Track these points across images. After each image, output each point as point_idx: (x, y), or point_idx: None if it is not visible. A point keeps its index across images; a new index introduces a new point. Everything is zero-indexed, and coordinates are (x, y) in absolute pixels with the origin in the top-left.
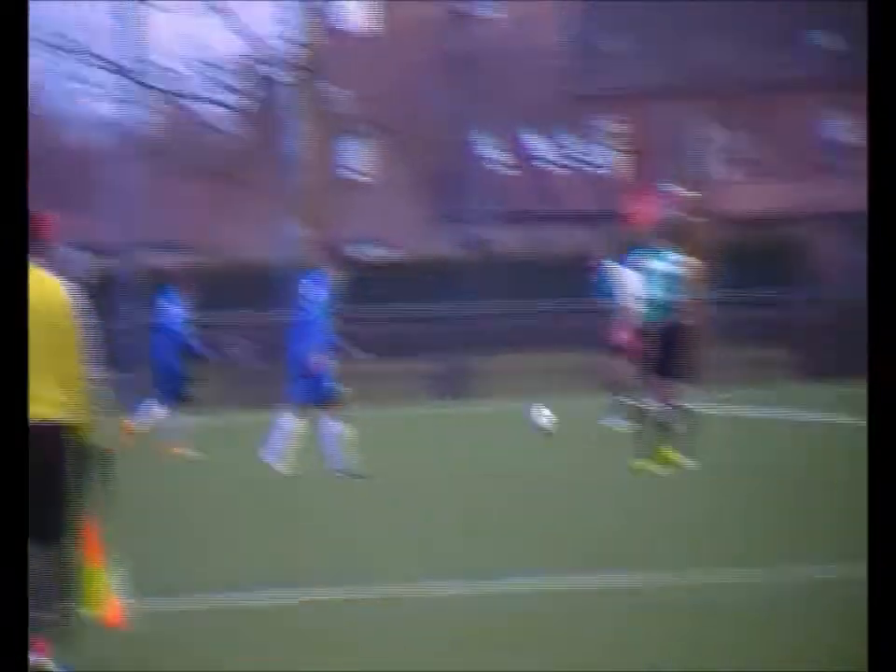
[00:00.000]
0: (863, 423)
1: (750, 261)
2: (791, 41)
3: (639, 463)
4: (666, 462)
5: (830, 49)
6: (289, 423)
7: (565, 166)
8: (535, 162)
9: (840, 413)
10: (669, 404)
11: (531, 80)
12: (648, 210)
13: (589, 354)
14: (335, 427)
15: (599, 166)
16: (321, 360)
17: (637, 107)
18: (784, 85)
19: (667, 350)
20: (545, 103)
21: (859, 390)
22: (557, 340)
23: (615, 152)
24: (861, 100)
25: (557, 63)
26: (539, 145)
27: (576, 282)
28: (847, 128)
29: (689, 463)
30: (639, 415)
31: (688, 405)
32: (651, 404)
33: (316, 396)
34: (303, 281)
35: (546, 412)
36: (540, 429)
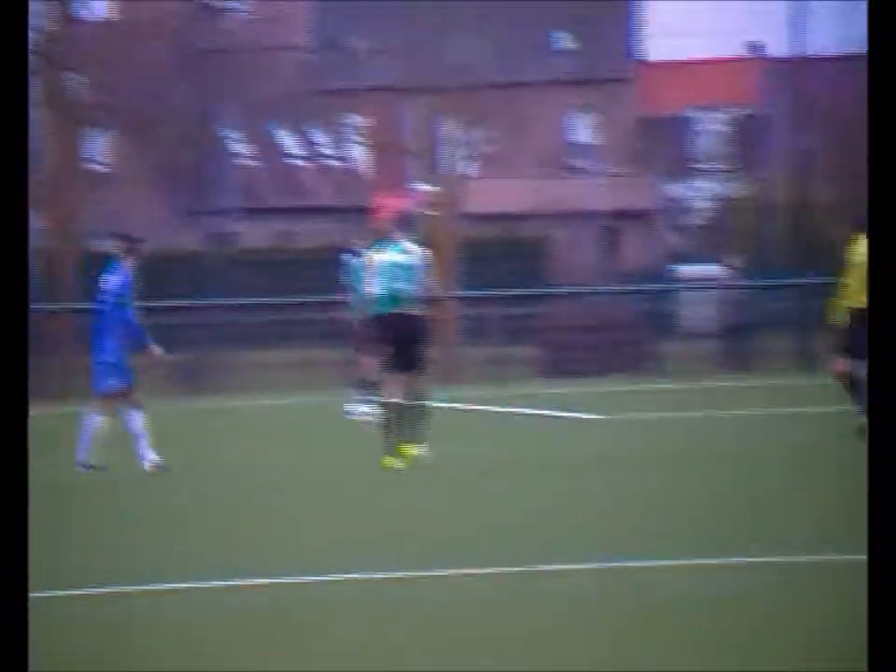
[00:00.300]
0: (605, 417)
1: (496, 258)
2: (534, 41)
3: (387, 459)
4: (406, 457)
5: (569, 49)
6: (96, 419)
7: (312, 161)
8: (282, 157)
9: (579, 409)
10: (410, 399)
11: (279, 75)
12: (393, 205)
13: (337, 348)
14: (136, 419)
15: (347, 161)
16: (121, 350)
17: (384, 103)
18: (528, 84)
19: (407, 344)
20: (293, 98)
21: (598, 388)
22: (306, 334)
23: (362, 147)
24: (598, 98)
25: (306, 59)
26: (286, 140)
27: (323, 276)
28: (588, 127)
29: (428, 458)
30: (384, 410)
31: (428, 400)
32: (393, 399)
33: (117, 385)
34: (102, 272)
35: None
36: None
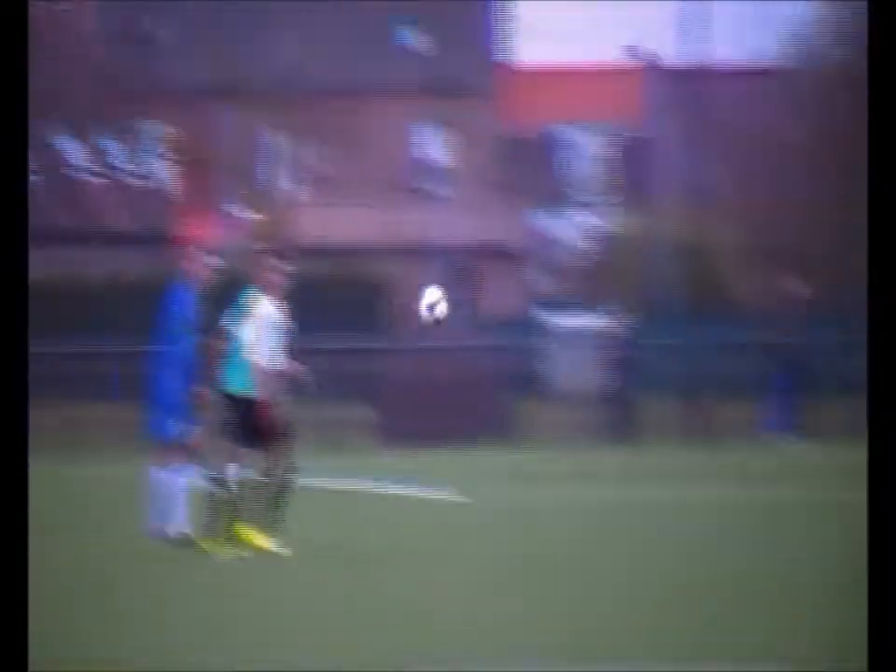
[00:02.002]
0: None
1: (327, 301)
2: (377, 40)
3: (209, 542)
4: (246, 541)
5: (419, 50)
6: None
7: (102, 176)
8: (65, 170)
9: (426, 483)
10: (246, 474)
11: (59, 71)
12: (205, 232)
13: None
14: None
15: (146, 177)
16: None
17: (195, 111)
18: (369, 91)
19: (246, 412)
20: (81, 100)
21: (453, 459)
22: (77, 386)
23: (167, 162)
24: (453, 110)
25: (95, 52)
26: (71, 149)
27: (123, 314)
28: (441, 145)
29: (272, 543)
30: (215, 486)
31: (267, 476)
32: (225, 474)
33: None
34: None
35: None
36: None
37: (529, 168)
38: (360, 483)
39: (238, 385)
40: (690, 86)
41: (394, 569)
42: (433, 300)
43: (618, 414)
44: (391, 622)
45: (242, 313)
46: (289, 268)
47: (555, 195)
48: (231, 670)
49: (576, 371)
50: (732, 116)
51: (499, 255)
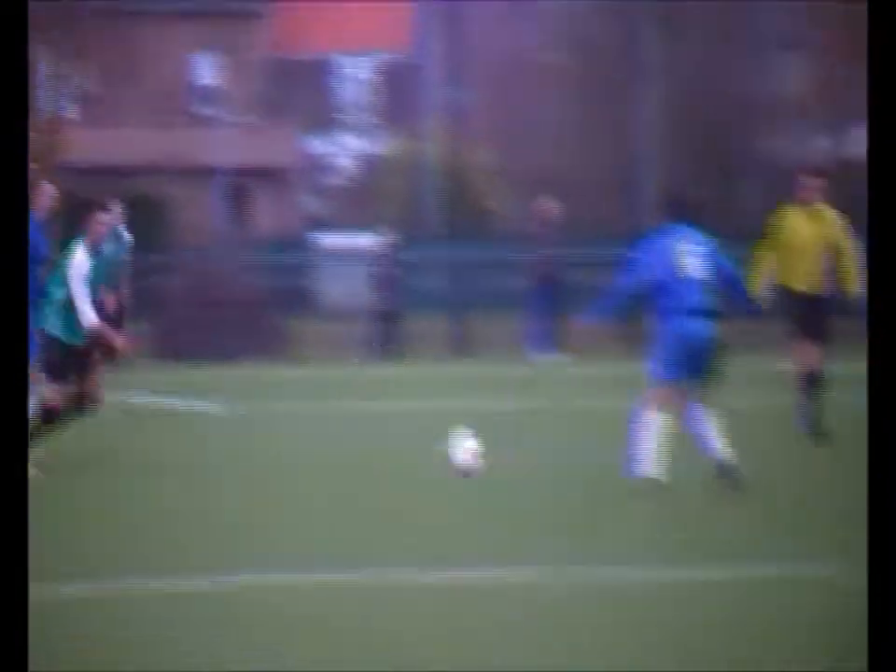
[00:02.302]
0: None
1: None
2: None
3: None
4: None
5: None
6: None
7: None
8: None
9: (197, 398)
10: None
11: None
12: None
13: None
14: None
15: None
16: None
17: None
18: (143, 13)
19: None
20: None
21: (222, 374)
22: None
23: None
24: (226, 35)
25: None
26: None
27: None
28: (214, 68)
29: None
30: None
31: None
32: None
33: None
34: None
35: (468, 443)
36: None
37: (301, 93)
38: (134, 397)
39: (55, 327)
40: (453, 13)
41: (159, 479)
42: (469, 449)
43: (386, 330)
44: (158, 530)
45: (64, 258)
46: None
47: (326, 119)
48: (231, 670)
49: (345, 289)
50: (493, 42)
51: (272, 176)
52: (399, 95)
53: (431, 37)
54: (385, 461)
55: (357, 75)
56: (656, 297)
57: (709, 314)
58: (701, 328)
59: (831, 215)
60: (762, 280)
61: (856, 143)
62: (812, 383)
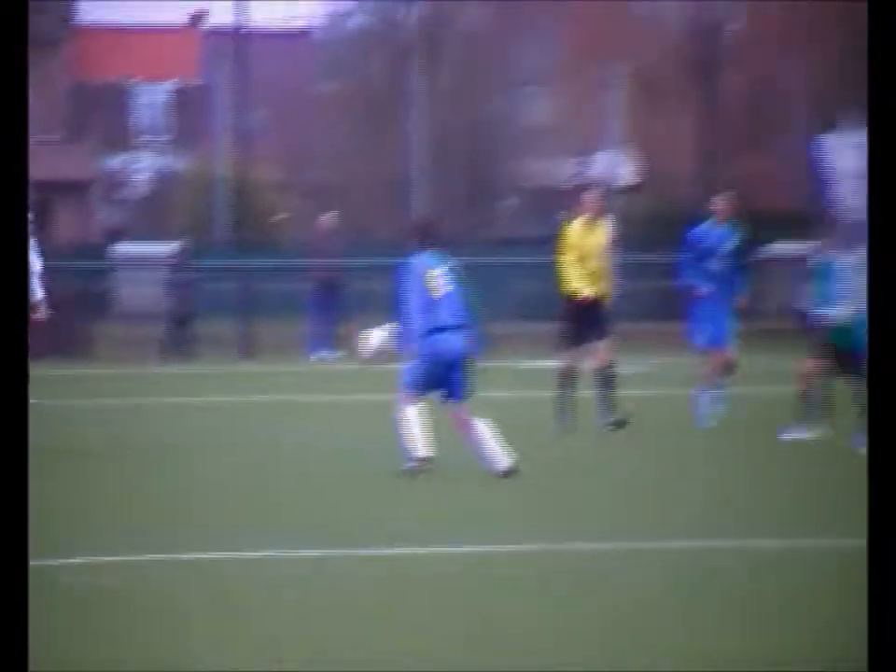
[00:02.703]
0: None
1: None
2: None
3: None
4: None
5: None
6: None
7: None
8: None
9: None
10: None
11: None
12: None
13: None
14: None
15: None
16: None
17: None
18: None
19: None
20: None
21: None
22: None
23: None
24: (33, 61)
25: None
26: None
27: None
28: None
29: None
30: None
31: None
32: None
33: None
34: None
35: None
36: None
37: (99, 114)
38: None
39: None
40: (239, 45)
41: None
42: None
43: (179, 332)
44: None
45: None
46: None
47: (122, 138)
48: (231, 670)
49: (141, 294)
50: (275, 72)
51: (71, 189)
52: (192, 118)
53: (220, 65)
54: (164, 450)
55: (150, 98)
56: (415, 315)
57: (458, 329)
58: (450, 342)
59: (604, 226)
60: (577, 284)
61: (599, 165)
62: (604, 378)
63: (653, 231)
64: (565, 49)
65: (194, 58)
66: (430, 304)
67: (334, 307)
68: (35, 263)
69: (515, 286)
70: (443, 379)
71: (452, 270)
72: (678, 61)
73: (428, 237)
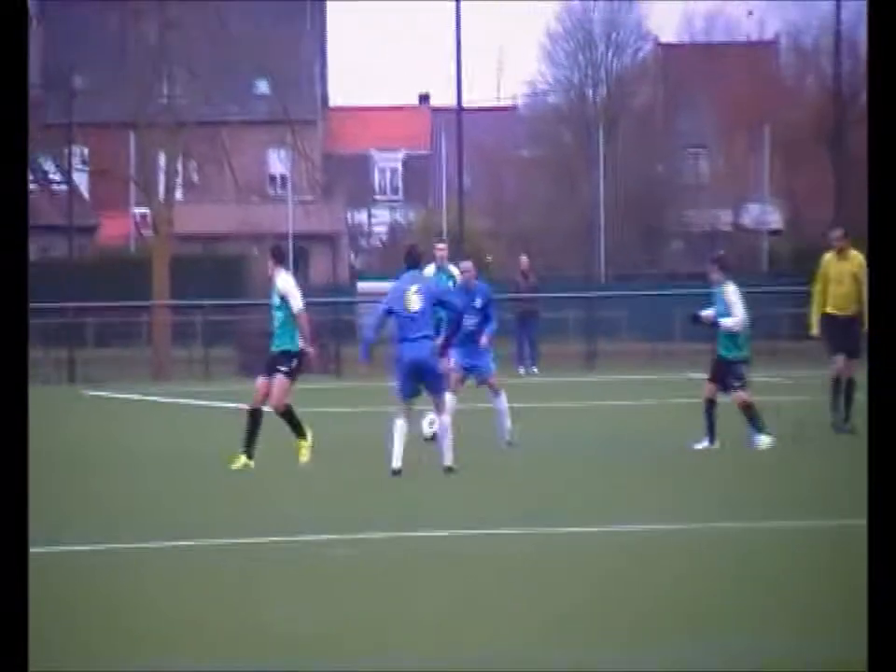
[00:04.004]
0: None
1: (201, 273)
2: (237, 85)
3: None
4: None
5: (266, 94)
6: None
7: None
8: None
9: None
10: None
11: None
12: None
13: None
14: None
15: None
16: None
17: (105, 136)
18: (231, 122)
19: None
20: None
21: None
22: None
23: (85, 174)
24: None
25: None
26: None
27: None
28: (282, 161)
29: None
30: None
31: None
32: None
33: None
34: None
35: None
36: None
37: (347, 179)
38: (223, 403)
39: None
40: (459, 119)
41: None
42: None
43: None
44: None
45: None
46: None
47: (365, 198)
48: (230, 670)
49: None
50: (487, 140)
51: (325, 240)
52: (420, 179)
53: (443, 136)
54: None
55: (389, 164)
56: (395, 328)
57: (425, 339)
58: (417, 350)
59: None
60: None
61: (751, 214)
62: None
63: (796, 266)
64: (720, 117)
65: (422, 131)
66: (406, 318)
67: (534, 331)
68: (298, 305)
69: (678, 312)
70: (419, 381)
71: (424, 290)
72: (816, 127)
73: (414, 261)
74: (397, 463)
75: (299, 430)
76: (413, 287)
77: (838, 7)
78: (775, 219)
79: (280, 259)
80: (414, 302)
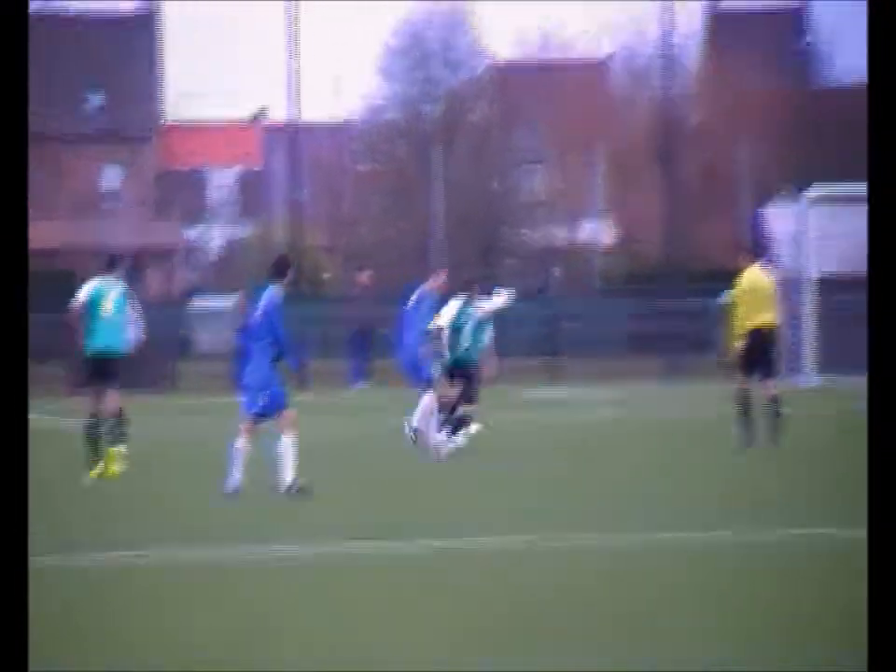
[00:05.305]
0: None
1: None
2: (71, 98)
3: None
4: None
5: (101, 107)
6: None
7: None
8: None
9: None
10: None
11: None
12: None
13: None
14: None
15: None
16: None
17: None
18: (64, 137)
19: None
20: None
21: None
22: None
23: None
24: (126, 152)
25: None
26: None
27: None
28: (118, 176)
29: None
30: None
31: None
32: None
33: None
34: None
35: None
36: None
37: (181, 194)
38: (55, 417)
39: None
40: (292, 136)
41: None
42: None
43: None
44: None
45: None
46: None
47: (199, 214)
48: (230, 670)
49: (214, 337)
50: (321, 156)
51: (160, 255)
52: (254, 195)
53: (277, 152)
54: None
55: (223, 181)
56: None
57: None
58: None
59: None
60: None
61: (587, 232)
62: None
63: (627, 284)
64: (555, 135)
65: (258, 147)
66: (245, 336)
67: (368, 348)
68: (132, 313)
69: (518, 328)
70: (258, 399)
71: (266, 306)
72: (647, 146)
73: (280, 272)
74: (233, 483)
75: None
76: (261, 305)
77: (668, 31)
78: (608, 237)
79: (107, 267)
80: (254, 320)
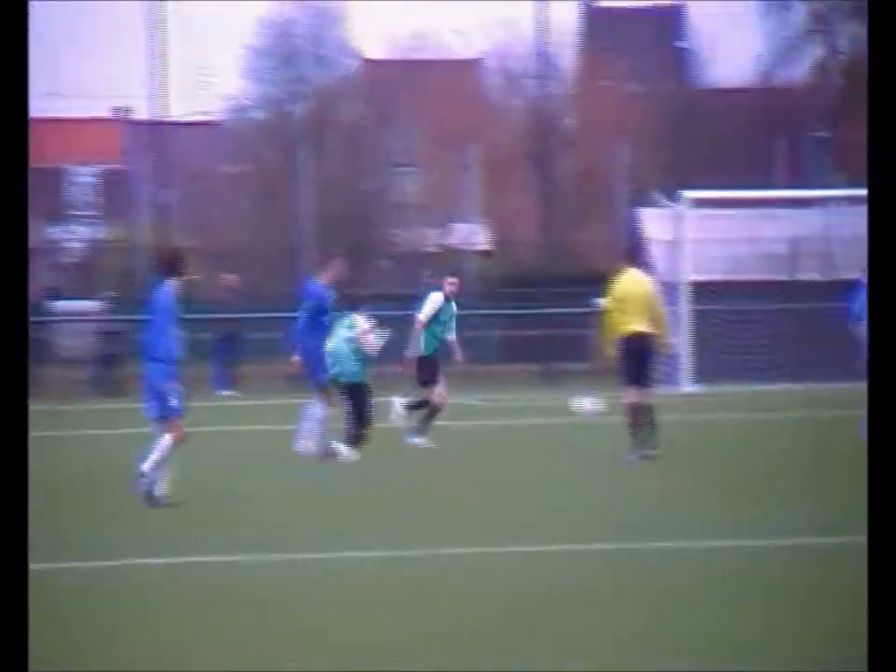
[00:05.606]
0: None
1: None
2: None
3: None
4: None
5: None
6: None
7: None
8: None
9: None
10: None
11: None
12: None
13: None
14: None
15: None
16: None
17: None
18: None
19: None
20: None
21: None
22: None
23: None
24: None
25: None
26: None
27: None
28: None
29: None
30: None
31: None
32: None
33: None
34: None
35: (588, 400)
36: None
37: (42, 193)
38: None
39: None
40: (156, 134)
41: None
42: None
43: (105, 372)
44: None
45: None
46: None
47: (59, 212)
48: (238, 670)
49: (75, 342)
50: (186, 156)
51: None
52: (116, 195)
53: (140, 151)
54: None
55: (82, 179)
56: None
57: (158, 357)
58: (155, 369)
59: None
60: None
61: (458, 234)
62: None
63: (502, 288)
64: (427, 135)
65: (120, 145)
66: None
67: (232, 353)
68: None
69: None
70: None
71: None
72: (522, 147)
73: (171, 272)
74: (160, 490)
75: None
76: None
77: (543, 31)
78: (482, 240)
79: None
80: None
